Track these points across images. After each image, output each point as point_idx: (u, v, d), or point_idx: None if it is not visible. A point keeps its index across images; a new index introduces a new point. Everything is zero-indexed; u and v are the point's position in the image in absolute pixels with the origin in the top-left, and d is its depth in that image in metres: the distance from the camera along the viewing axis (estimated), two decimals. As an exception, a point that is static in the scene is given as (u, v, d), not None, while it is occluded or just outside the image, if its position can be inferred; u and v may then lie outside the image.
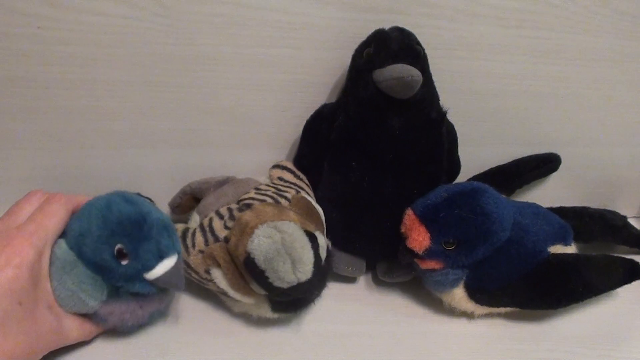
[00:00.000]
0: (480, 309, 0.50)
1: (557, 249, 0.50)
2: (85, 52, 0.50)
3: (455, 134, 0.55)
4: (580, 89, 0.57)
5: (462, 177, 0.58)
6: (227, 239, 0.45)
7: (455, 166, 0.57)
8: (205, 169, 0.57)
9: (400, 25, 0.50)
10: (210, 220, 0.48)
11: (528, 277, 0.48)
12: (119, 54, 0.50)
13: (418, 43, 0.50)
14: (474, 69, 0.55)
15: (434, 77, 0.51)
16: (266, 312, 0.47)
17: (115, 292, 0.42)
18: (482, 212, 0.46)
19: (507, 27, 0.53)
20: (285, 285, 0.41)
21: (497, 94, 0.57)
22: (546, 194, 0.63)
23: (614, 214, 0.60)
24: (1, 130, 0.53)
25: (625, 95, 0.58)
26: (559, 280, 0.48)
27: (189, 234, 0.48)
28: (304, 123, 0.54)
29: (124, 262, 0.41)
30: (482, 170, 0.59)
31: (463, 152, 0.56)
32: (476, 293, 0.49)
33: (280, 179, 0.53)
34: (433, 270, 0.48)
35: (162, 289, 0.44)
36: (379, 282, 0.55)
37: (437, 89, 0.51)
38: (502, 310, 0.51)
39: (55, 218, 0.41)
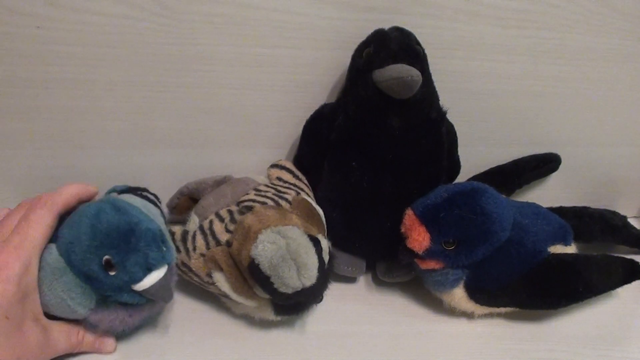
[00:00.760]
0: (480, 309, 0.50)
1: (557, 249, 0.50)
2: (85, 52, 0.50)
3: (455, 134, 0.55)
4: (581, 89, 0.57)
5: (462, 177, 0.58)
6: (229, 243, 0.45)
7: (455, 166, 0.57)
8: (205, 169, 0.57)
9: (400, 25, 0.50)
10: (211, 222, 0.48)
11: (528, 277, 0.48)
12: (119, 54, 0.50)
13: (418, 43, 0.50)
14: (474, 69, 0.55)
15: (434, 77, 0.51)
16: (269, 314, 0.47)
17: (104, 300, 0.42)
18: (482, 212, 0.46)
19: (507, 27, 0.53)
20: (290, 291, 0.42)
21: (497, 94, 0.57)
22: (546, 194, 0.63)
23: (614, 214, 0.60)
24: (1, 130, 0.53)
25: (625, 95, 0.58)
26: (559, 280, 0.48)
27: (189, 237, 0.48)
28: (304, 123, 0.54)
29: (112, 273, 0.40)
30: (482, 170, 0.59)
31: (463, 152, 0.56)
32: (476, 293, 0.49)
33: (279, 179, 0.53)
34: (433, 270, 0.48)
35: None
36: (379, 282, 0.55)
37: (437, 89, 0.51)
38: (502, 310, 0.51)
39: (40, 226, 0.40)
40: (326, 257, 0.45)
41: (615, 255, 0.51)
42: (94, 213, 0.41)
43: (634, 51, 0.56)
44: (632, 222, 0.61)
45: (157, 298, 0.43)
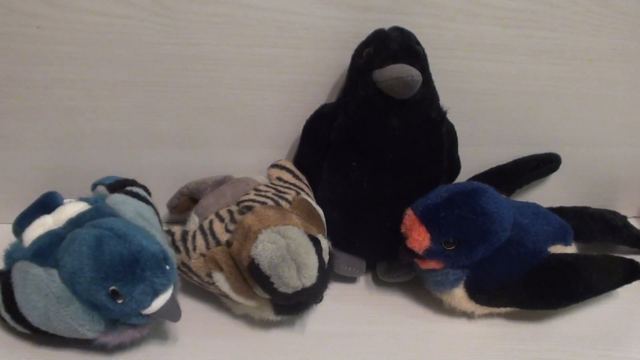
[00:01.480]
0: (480, 309, 0.50)
1: (557, 249, 0.50)
2: (85, 52, 0.50)
3: (455, 134, 0.55)
4: (581, 89, 0.57)
5: (462, 177, 0.58)
6: (229, 243, 0.45)
7: (455, 166, 0.57)
8: (205, 169, 0.57)
9: (400, 25, 0.50)
10: (211, 222, 0.48)
11: (528, 277, 0.48)
12: (119, 54, 0.50)
13: (418, 43, 0.50)
14: (474, 69, 0.55)
15: (434, 77, 0.51)
16: (269, 314, 0.47)
17: (113, 323, 0.42)
18: (482, 212, 0.46)
19: (507, 27, 0.53)
20: (290, 291, 0.42)
21: (497, 94, 0.57)
22: (546, 194, 0.63)
23: (614, 214, 0.60)
24: (1, 130, 0.53)
25: (625, 95, 0.58)
26: (559, 280, 0.48)
27: (189, 237, 0.48)
28: (304, 123, 0.54)
29: (120, 301, 0.40)
30: (482, 170, 0.59)
31: (463, 152, 0.56)
32: (476, 293, 0.49)
33: (279, 179, 0.53)
34: (433, 270, 0.48)
35: None
36: (379, 282, 0.55)
37: (437, 89, 0.51)
38: (502, 310, 0.51)
39: None
40: (326, 257, 0.45)
41: (615, 255, 0.51)
42: (95, 243, 0.40)
43: (634, 51, 0.56)
44: (632, 222, 0.61)
45: (166, 318, 0.43)
